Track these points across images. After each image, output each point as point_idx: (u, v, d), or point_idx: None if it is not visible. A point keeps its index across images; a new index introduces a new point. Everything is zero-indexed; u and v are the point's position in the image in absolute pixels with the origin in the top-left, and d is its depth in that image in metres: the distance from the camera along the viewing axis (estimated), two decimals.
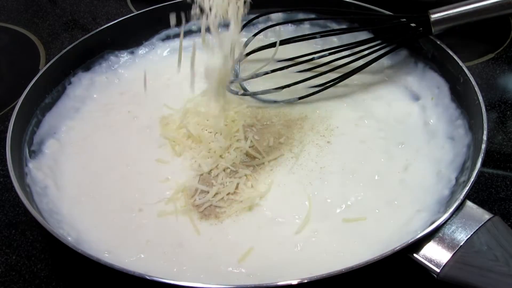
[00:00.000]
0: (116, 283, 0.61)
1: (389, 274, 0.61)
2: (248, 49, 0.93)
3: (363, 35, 0.92)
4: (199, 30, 1.03)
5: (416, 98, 0.88)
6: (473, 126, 0.75)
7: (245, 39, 0.94)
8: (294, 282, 0.55)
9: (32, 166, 0.77)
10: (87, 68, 0.95)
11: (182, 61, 1.00)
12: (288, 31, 1.03)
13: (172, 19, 0.77)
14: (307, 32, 1.01)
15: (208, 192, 0.73)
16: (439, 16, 0.82)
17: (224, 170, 0.76)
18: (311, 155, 0.79)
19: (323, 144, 0.80)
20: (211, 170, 0.76)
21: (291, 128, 0.83)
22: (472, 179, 0.63)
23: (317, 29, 1.01)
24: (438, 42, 0.85)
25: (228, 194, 0.73)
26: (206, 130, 0.81)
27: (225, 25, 1.03)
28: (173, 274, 0.64)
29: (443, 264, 0.58)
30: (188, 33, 1.04)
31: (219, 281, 0.63)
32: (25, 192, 0.68)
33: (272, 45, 0.90)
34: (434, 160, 0.76)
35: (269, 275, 0.64)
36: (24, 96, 0.81)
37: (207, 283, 0.61)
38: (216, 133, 0.80)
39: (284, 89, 0.87)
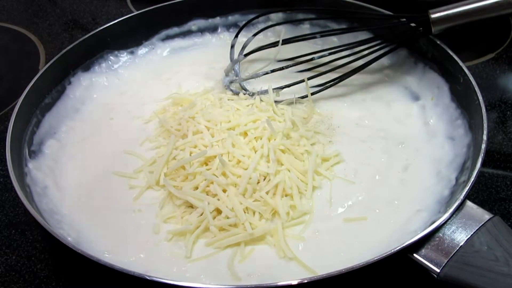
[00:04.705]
0: (116, 283, 0.61)
1: (389, 274, 0.61)
2: (248, 49, 0.93)
3: (363, 35, 0.93)
4: (199, 30, 1.05)
5: (416, 98, 0.88)
6: (473, 126, 0.75)
7: (245, 39, 0.94)
8: (294, 282, 0.55)
9: (32, 166, 0.77)
10: (87, 68, 0.96)
11: (183, 61, 1.02)
12: (288, 31, 1.03)
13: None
14: (307, 32, 1.01)
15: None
16: (439, 16, 0.82)
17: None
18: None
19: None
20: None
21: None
22: (472, 179, 0.63)
23: (317, 29, 1.01)
24: (438, 42, 0.85)
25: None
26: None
27: (229, 25, 1.05)
28: (173, 274, 0.64)
29: (443, 264, 0.58)
30: (188, 33, 1.05)
31: (219, 281, 0.63)
32: (25, 192, 0.68)
33: (272, 45, 0.91)
34: (434, 160, 0.76)
35: (269, 275, 0.64)
36: (24, 96, 0.81)
37: (207, 283, 0.62)
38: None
39: (284, 89, 0.87)
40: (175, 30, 1.04)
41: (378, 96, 0.89)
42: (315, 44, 0.99)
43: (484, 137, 0.68)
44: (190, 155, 0.75)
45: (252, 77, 0.91)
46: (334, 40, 0.98)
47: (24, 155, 0.77)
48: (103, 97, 0.93)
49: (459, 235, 0.59)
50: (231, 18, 1.05)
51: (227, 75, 0.94)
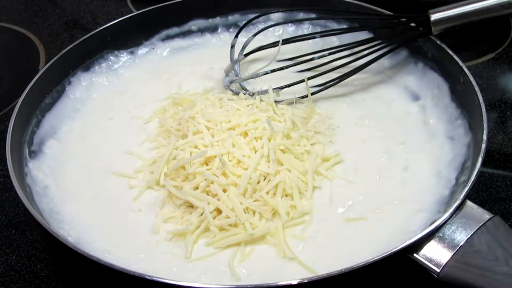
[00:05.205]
0: (116, 283, 0.61)
1: (389, 274, 0.61)
2: (248, 49, 0.93)
3: (363, 35, 0.93)
4: (199, 30, 1.05)
5: (416, 98, 0.88)
6: (473, 126, 0.75)
7: (245, 39, 0.95)
8: (294, 282, 0.55)
9: (32, 166, 0.77)
10: (87, 68, 0.96)
11: (183, 61, 1.02)
12: (288, 31, 1.03)
13: None
14: (307, 32, 1.01)
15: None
16: (439, 16, 0.82)
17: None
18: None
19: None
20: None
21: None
22: (472, 179, 0.63)
23: (317, 29, 1.01)
24: (438, 42, 0.85)
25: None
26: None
27: (229, 25, 1.05)
28: (173, 274, 0.64)
29: (443, 264, 0.58)
30: (188, 33, 1.05)
31: (219, 281, 0.63)
32: (25, 192, 0.68)
33: (272, 45, 0.90)
34: (434, 160, 0.76)
35: (269, 275, 0.64)
36: (24, 96, 0.81)
37: (207, 283, 0.62)
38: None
39: (284, 89, 0.87)
40: (175, 30, 1.04)
41: (378, 96, 0.89)
42: (315, 44, 0.99)
43: (484, 137, 0.68)
44: (190, 155, 0.75)
45: (252, 77, 0.90)
46: (334, 40, 0.99)
47: (24, 155, 0.77)
48: (103, 97, 0.93)
49: (459, 235, 0.59)
50: (231, 18, 1.05)
51: (227, 75, 0.94)
